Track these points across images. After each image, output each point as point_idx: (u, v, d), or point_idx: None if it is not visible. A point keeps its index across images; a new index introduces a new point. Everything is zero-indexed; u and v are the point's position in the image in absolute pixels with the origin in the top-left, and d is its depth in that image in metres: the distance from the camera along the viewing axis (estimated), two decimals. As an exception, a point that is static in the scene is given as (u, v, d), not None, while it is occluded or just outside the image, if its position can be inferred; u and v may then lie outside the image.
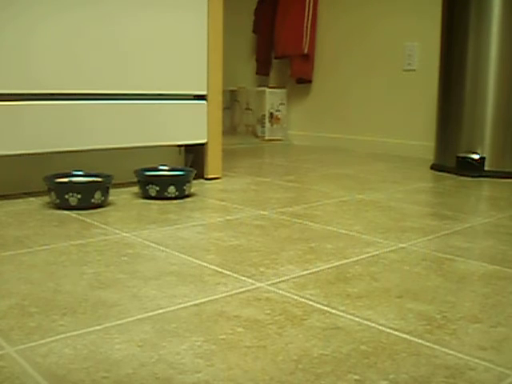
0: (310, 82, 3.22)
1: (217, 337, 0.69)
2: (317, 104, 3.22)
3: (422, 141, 2.62)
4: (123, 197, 1.57)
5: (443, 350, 0.67)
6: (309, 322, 0.74)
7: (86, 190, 1.40)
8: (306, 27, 3.12)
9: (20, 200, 1.51)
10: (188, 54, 1.80)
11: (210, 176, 1.90)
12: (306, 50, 3.13)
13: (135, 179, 1.60)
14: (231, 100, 3.53)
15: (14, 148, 1.49)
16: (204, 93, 1.83)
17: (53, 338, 0.68)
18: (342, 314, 0.77)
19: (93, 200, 1.40)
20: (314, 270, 0.97)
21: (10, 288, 0.85)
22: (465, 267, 1.00)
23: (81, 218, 1.31)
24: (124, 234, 1.17)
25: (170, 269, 0.95)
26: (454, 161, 2.17)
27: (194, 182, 1.85)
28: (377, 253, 1.07)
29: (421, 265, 1.00)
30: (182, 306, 0.79)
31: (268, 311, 0.78)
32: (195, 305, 0.80)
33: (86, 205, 1.39)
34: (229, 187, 1.76)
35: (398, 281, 0.92)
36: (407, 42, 2.75)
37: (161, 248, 1.08)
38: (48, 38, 1.51)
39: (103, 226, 1.24)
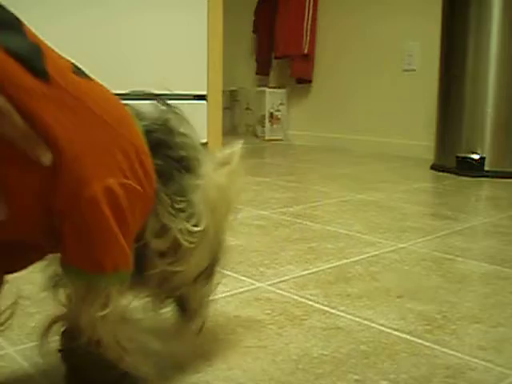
0: (310, 82, 3.22)
1: (217, 337, 0.69)
2: (317, 104, 3.22)
3: (422, 141, 2.62)
4: (123, 197, 1.57)
5: (443, 350, 0.67)
6: (309, 322, 0.74)
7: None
8: (306, 27, 3.12)
9: (20, 200, 1.50)
10: (188, 54, 1.80)
11: (210, 176, 1.89)
12: (306, 50, 3.12)
13: (135, 179, 1.60)
14: (231, 100, 3.53)
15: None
16: (204, 93, 1.83)
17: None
18: (342, 313, 0.77)
19: (93, 200, 1.40)
20: (314, 270, 0.97)
21: (10, 288, 0.85)
22: (465, 267, 1.00)
23: (81, 218, 1.31)
24: (124, 234, 1.17)
25: (170, 269, 0.95)
26: (454, 161, 2.17)
27: (194, 182, 1.84)
28: (377, 253, 1.07)
29: (421, 265, 1.00)
30: (182, 306, 0.79)
31: (268, 311, 0.78)
32: (195, 305, 0.80)
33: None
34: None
35: (397, 281, 0.92)
36: (407, 42, 2.74)
37: (161, 248, 1.08)
38: (50, 39, 1.51)
39: (103, 226, 1.24)
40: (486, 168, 2.12)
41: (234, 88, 3.51)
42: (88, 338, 0.49)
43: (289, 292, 0.85)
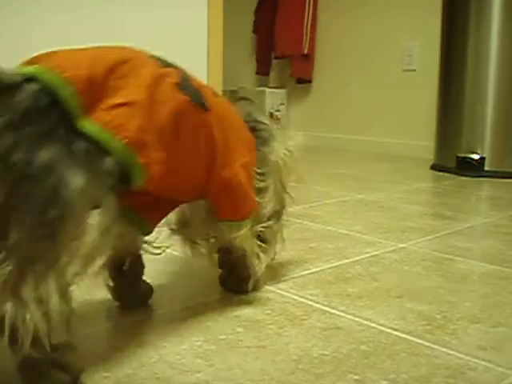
0: (309, 81, 3.22)
1: (217, 337, 0.69)
2: (317, 104, 3.22)
3: (422, 141, 2.62)
4: (123, 197, 1.57)
5: (443, 350, 0.67)
6: (309, 322, 0.74)
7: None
8: (306, 27, 3.12)
9: (20, 200, 1.50)
10: (188, 54, 1.80)
11: (210, 176, 1.89)
12: (305, 50, 3.12)
13: (135, 179, 1.60)
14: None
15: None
16: (204, 93, 1.83)
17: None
18: (342, 314, 0.77)
19: (93, 200, 1.40)
20: (314, 270, 0.97)
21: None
22: (465, 267, 1.00)
23: (81, 217, 1.31)
24: (124, 234, 1.17)
25: (170, 269, 0.95)
26: (454, 161, 2.17)
27: (194, 181, 1.84)
28: (377, 253, 1.07)
29: (421, 265, 1.00)
30: (183, 305, 0.79)
31: (268, 311, 0.78)
32: (196, 305, 0.80)
33: (85, 205, 1.39)
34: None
35: (397, 281, 0.92)
36: (407, 42, 2.74)
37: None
38: (49, 36, 1.51)
39: (103, 225, 1.24)
40: (486, 168, 2.11)
41: (234, 88, 3.50)
42: (241, 250, 0.79)
43: (289, 292, 0.85)
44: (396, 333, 0.72)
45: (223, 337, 0.69)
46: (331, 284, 0.89)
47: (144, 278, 0.79)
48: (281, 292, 0.85)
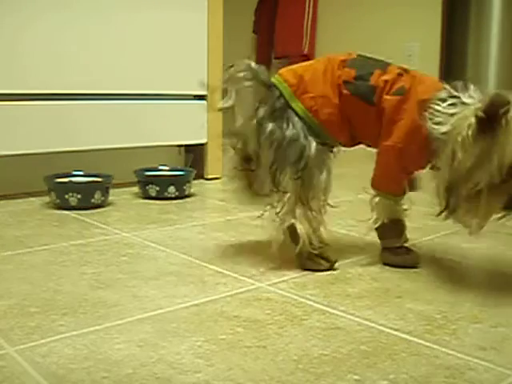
0: (310, 82, 3.22)
1: (217, 337, 0.69)
2: (317, 104, 3.22)
3: (422, 141, 2.62)
4: (123, 197, 1.57)
5: (443, 349, 0.67)
6: (309, 322, 0.74)
7: (85, 189, 1.40)
8: (306, 27, 3.12)
9: (20, 200, 1.50)
10: (188, 54, 1.80)
11: (209, 176, 1.89)
12: (305, 50, 3.12)
13: (135, 179, 1.60)
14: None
15: (14, 148, 1.49)
16: (204, 93, 1.83)
17: (53, 338, 0.68)
18: (342, 314, 0.77)
19: (93, 200, 1.40)
20: (314, 270, 0.96)
21: (9, 288, 0.85)
22: (464, 267, 1.00)
23: (81, 218, 1.31)
24: (124, 234, 1.17)
25: (170, 269, 0.95)
26: (454, 161, 2.17)
27: (194, 182, 1.84)
28: (377, 253, 1.07)
29: (421, 265, 1.00)
30: (182, 305, 0.79)
31: (268, 311, 0.78)
32: (195, 305, 0.80)
33: (85, 205, 1.39)
34: (229, 187, 1.76)
35: (397, 281, 0.92)
36: (407, 42, 2.74)
37: (161, 248, 1.08)
38: (47, 36, 1.51)
39: (103, 225, 1.24)
40: (486, 168, 2.11)
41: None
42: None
43: (289, 292, 0.85)
44: (396, 333, 0.72)
45: (223, 337, 0.69)
46: (331, 284, 0.89)
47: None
48: (281, 292, 0.85)
